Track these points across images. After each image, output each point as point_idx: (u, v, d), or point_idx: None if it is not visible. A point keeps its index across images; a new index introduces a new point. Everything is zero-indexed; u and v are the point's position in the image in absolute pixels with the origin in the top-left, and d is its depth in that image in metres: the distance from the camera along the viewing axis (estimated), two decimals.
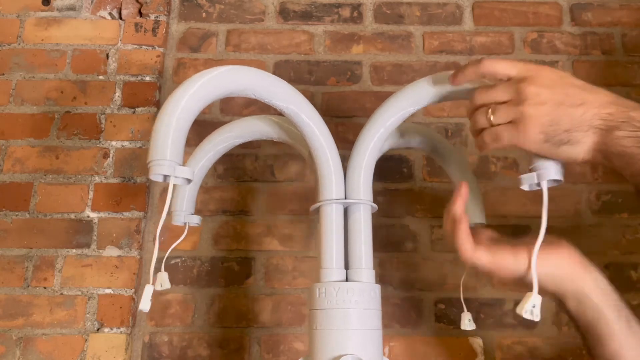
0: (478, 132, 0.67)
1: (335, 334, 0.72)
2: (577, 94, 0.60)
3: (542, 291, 0.63)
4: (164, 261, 0.98)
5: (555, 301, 0.66)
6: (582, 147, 0.60)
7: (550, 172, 0.64)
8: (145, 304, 0.64)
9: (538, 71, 0.62)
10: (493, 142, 0.64)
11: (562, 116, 0.60)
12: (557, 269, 0.65)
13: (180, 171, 0.61)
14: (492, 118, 0.64)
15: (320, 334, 0.73)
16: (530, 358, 1.11)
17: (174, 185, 0.63)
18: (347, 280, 0.77)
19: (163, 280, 0.84)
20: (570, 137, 0.60)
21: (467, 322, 0.91)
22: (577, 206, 1.19)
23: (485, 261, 0.66)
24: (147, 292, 0.65)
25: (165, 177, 0.62)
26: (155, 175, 0.62)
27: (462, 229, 0.67)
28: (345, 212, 0.80)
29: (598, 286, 0.64)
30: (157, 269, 0.71)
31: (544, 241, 0.64)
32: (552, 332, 1.13)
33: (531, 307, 0.62)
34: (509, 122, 0.62)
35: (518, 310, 0.62)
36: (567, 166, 0.65)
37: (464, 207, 0.69)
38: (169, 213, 0.89)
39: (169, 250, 0.94)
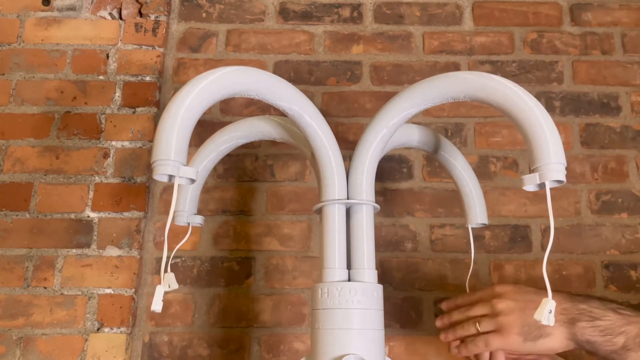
0: (466, 337, 0.82)
1: (337, 334, 0.72)
2: (535, 299, 0.75)
3: None
4: (170, 261, 0.99)
5: None
6: (556, 338, 0.74)
7: (552, 173, 0.64)
8: (157, 305, 0.64)
9: (502, 288, 0.80)
10: (485, 347, 0.79)
11: (528, 318, 0.75)
12: None
13: (184, 171, 0.61)
14: (479, 328, 0.80)
15: (322, 333, 0.73)
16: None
17: (178, 186, 0.63)
18: (349, 280, 0.77)
19: (170, 281, 0.84)
20: (542, 332, 0.74)
21: None
22: (577, 206, 1.20)
23: None
24: (159, 293, 0.65)
25: (170, 177, 0.62)
26: (160, 175, 0.62)
27: None
28: (348, 212, 0.80)
29: None
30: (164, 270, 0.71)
31: None
32: None
33: (547, 313, 0.64)
34: (493, 331, 0.78)
35: (536, 316, 0.65)
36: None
37: None
38: None
39: (175, 251, 0.94)
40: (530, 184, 0.66)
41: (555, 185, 0.66)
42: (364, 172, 0.80)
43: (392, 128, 0.80)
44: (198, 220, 0.92)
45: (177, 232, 0.97)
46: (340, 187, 0.79)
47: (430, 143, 0.94)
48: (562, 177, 0.64)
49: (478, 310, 0.81)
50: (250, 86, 0.71)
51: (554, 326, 0.73)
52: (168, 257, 1.01)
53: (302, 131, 0.78)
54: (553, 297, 0.64)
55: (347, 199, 0.79)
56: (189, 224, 0.92)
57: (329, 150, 0.78)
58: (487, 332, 0.79)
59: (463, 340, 0.84)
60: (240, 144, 0.92)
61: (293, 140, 0.88)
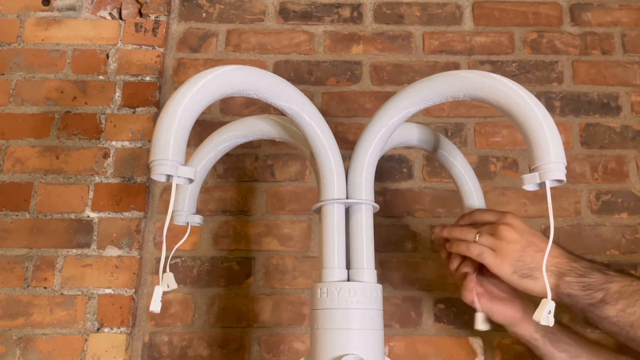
0: (461, 242, 0.85)
1: (336, 334, 0.72)
2: (538, 243, 0.79)
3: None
4: (169, 261, 0.98)
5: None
6: (540, 284, 0.77)
7: (553, 172, 0.64)
8: (155, 305, 0.64)
9: (514, 220, 0.81)
10: (476, 255, 0.82)
11: (526, 257, 0.78)
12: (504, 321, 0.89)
13: (182, 171, 0.61)
14: (477, 238, 0.82)
15: (321, 333, 0.73)
16: (530, 357, 1.11)
17: (176, 185, 0.62)
18: (348, 280, 0.77)
19: (170, 281, 0.84)
20: (532, 274, 0.78)
21: (480, 323, 0.89)
22: (577, 206, 1.20)
23: (486, 308, 0.87)
24: (157, 293, 0.65)
25: (168, 176, 0.62)
26: (158, 175, 0.62)
27: (469, 281, 0.88)
28: (347, 212, 0.80)
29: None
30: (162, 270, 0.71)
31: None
32: None
33: (547, 313, 0.65)
34: (490, 248, 0.81)
35: (535, 317, 0.66)
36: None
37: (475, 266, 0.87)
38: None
39: (173, 251, 0.94)
40: (530, 183, 0.66)
41: (556, 184, 0.66)
42: (363, 171, 0.79)
43: (391, 127, 0.79)
44: (197, 219, 0.92)
45: (177, 232, 0.97)
46: (339, 187, 0.79)
47: (430, 142, 0.94)
48: (562, 177, 0.64)
49: (484, 228, 0.83)
50: (249, 85, 0.71)
51: (542, 273, 0.74)
52: (167, 257, 1.01)
53: (301, 131, 0.78)
54: (551, 250, 0.67)
55: (347, 198, 0.79)
56: (187, 223, 0.91)
57: (328, 149, 0.78)
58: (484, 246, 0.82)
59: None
60: (239, 144, 0.92)
61: (292, 140, 0.88)
